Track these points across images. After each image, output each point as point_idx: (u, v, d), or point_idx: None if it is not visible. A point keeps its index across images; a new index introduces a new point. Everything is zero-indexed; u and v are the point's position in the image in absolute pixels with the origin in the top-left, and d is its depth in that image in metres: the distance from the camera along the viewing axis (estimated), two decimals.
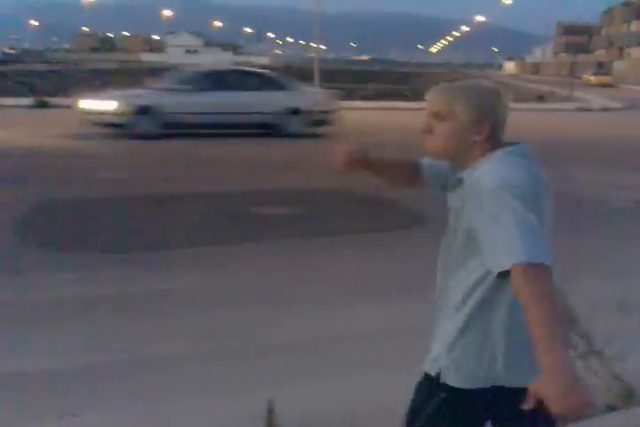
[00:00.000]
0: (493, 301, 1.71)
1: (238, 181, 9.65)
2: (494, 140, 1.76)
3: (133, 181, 9.39)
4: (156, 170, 10.50)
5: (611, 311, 3.40)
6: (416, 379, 1.88)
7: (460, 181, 1.77)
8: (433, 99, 1.79)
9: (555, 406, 1.42)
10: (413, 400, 1.88)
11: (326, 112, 14.97)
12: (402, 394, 1.99)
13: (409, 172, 2.06)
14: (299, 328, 4.38)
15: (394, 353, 3.83)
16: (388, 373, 3.63)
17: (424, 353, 1.88)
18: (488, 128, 1.74)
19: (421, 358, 1.89)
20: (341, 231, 6.95)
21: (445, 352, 1.78)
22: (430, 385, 1.81)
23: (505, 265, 1.53)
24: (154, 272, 5.52)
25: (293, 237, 6.74)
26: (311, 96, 15.53)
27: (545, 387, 1.42)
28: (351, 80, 41.40)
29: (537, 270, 1.50)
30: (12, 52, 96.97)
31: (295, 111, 14.54)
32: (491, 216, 1.58)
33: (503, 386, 1.74)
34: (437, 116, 1.77)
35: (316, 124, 14.88)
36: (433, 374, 1.79)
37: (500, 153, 1.73)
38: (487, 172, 1.66)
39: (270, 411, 2.93)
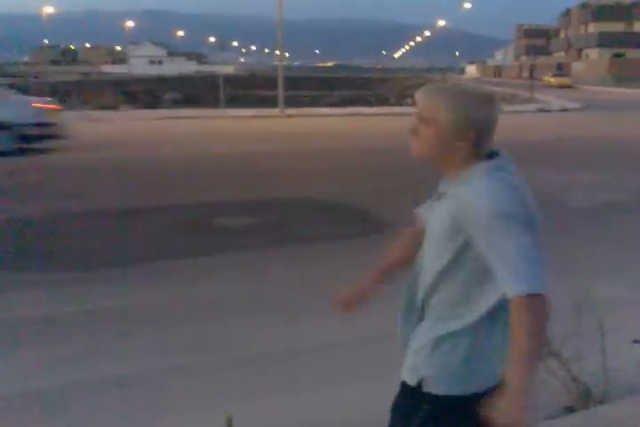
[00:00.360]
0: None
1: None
2: (479, 147, 1.73)
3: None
4: None
5: (567, 312, 3.41)
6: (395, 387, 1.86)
7: (443, 195, 1.76)
8: (420, 101, 1.77)
9: (498, 417, 1.59)
10: (393, 416, 1.86)
11: (48, 125, 13.02)
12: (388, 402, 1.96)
13: (411, 243, 2.02)
14: (272, 340, 4.36)
15: (369, 362, 3.84)
16: (366, 382, 3.64)
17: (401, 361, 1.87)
18: (472, 135, 1.71)
19: (397, 368, 1.87)
20: (311, 239, 6.96)
21: (425, 360, 1.76)
22: (412, 397, 1.78)
23: (508, 296, 1.61)
24: (121, 288, 5.45)
25: (258, 247, 6.70)
26: (23, 108, 13.11)
27: (500, 400, 1.58)
28: (316, 87, 41.58)
29: (533, 301, 1.57)
30: None
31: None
32: (490, 245, 1.62)
33: (479, 390, 1.76)
34: (422, 120, 1.75)
35: (35, 138, 12.97)
36: (413, 384, 1.77)
37: (485, 168, 1.71)
38: (477, 196, 1.64)
39: None
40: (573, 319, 3.32)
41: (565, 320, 3.30)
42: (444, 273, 1.75)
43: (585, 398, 3.36)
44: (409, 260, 2.03)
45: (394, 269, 2.11)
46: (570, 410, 3.33)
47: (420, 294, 1.84)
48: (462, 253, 1.71)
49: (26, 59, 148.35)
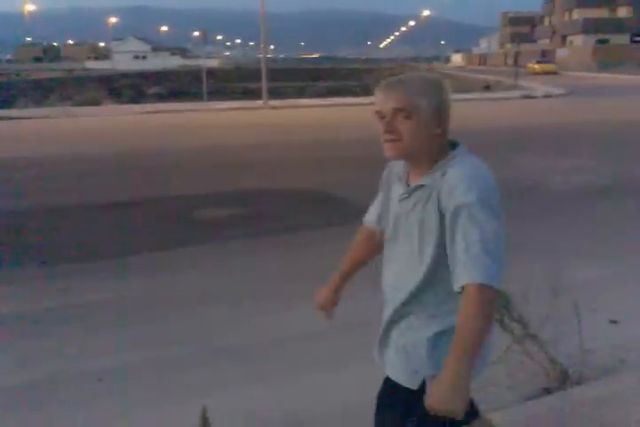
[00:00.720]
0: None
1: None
2: (446, 134, 1.75)
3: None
4: None
5: (544, 294, 3.40)
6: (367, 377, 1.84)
7: (420, 187, 1.73)
8: (393, 96, 1.70)
9: (433, 403, 1.56)
10: (384, 414, 1.82)
11: None
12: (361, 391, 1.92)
13: (370, 243, 2.07)
14: (249, 331, 4.32)
15: (348, 351, 3.79)
16: (335, 372, 3.61)
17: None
18: (444, 124, 1.72)
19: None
20: (296, 229, 6.94)
21: (425, 360, 1.72)
22: (409, 396, 1.74)
23: (461, 283, 1.60)
24: (106, 281, 5.40)
25: (244, 237, 6.67)
26: None
27: (436, 386, 1.56)
28: (301, 78, 41.52)
29: (488, 292, 1.57)
30: None
31: None
32: (460, 230, 1.61)
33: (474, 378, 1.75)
34: (401, 113, 1.68)
35: None
36: (416, 387, 1.73)
37: (460, 155, 1.72)
38: (463, 182, 1.63)
39: (204, 419, 2.86)
40: (551, 301, 3.31)
41: (543, 302, 3.30)
42: (431, 269, 1.72)
43: (562, 380, 3.35)
44: (367, 259, 2.11)
45: (353, 271, 2.15)
46: (547, 391, 3.32)
47: (401, 299, 1.80)
48: (442, 241, 1.69)
49: (8, 56, 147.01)
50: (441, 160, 1.72)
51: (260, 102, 24.43)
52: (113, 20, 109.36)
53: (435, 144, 1.72)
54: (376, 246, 2.01)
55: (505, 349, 3.21)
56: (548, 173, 9.69)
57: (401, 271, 1.79)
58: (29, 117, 20.44)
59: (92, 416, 3.33)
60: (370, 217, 2.07)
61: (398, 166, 1.86)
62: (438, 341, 1.72)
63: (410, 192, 1.76)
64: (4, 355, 4.05)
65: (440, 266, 1.70)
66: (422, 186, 1.72)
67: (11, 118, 20.28)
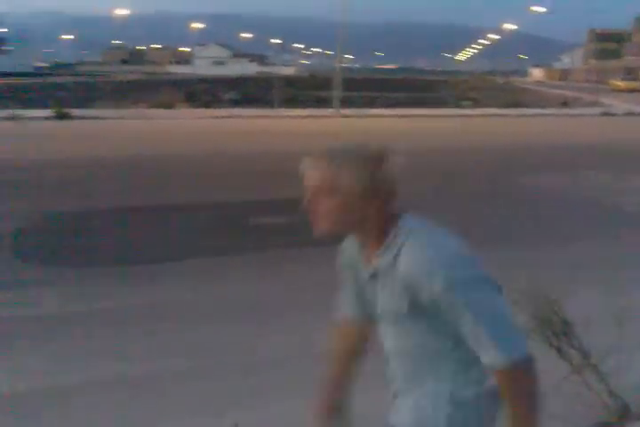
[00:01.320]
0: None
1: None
2: (389, 210, 1.57)
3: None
4: None
5: (608, 324, 3.18)
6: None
7: (376, 271, 1.60)
8: (313, 172, 1.56)
9: None
10: None
11: None
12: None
13: (355, 337, 1.89)
14: (293, 342, 4.23)
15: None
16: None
17: None
18: (381, 196, 1.54)
19: None
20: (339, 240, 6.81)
21: (442, 423, 1.61)
22: None
23: (491, 366, 1.51)
24: (150, 286, 5.42)
25: (287, 247, 6.59)
26: None
27: None
28: (375, 88, 41.47)
29: (515, 372, 1.48)
30: (42, 65, 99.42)
31: None
32: (457, 317, 1.50)
33: None
34: (321, 191, 1.54)
35: None
36: None
37: (407, 227, 1.56)
38: (423, 269, 1.49)
39: None
40: (614, 332, 3.08)
41: (607, 332, 3.08)
42: (420, 346, 1.62)
43: (622, 414, 3.12)
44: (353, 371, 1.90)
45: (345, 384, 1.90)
46: (604, 425, 3.10)
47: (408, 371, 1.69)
48: (435, 319, 1.56)
49: (97, 59, 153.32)
50: (388, 237, 1.56)
51: (331, 110, 24.48)
52: (198, 25, 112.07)
53: (373, 218, 1.56)
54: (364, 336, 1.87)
55: (562, 378, 3.00)
56: (621, 192, 9.26)
57: (396, 347, 1.68)
58: (104, 118, 21.08)
59: (109, 425, 3.30)
60: (348, 308, 1.86)
61: (348, 247, 1.73)
62: (456, 412, 1.60)
63: (370, 277, 1.63)
64: (22, 359, 4.03)
65: (430, 342, 1.59)
66: (377, 270, 1.59)
67: (87, 118, 20.95)
